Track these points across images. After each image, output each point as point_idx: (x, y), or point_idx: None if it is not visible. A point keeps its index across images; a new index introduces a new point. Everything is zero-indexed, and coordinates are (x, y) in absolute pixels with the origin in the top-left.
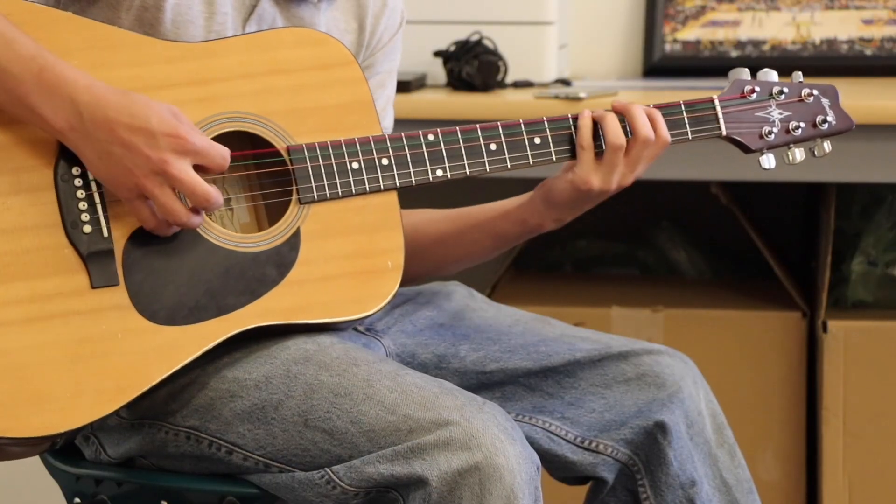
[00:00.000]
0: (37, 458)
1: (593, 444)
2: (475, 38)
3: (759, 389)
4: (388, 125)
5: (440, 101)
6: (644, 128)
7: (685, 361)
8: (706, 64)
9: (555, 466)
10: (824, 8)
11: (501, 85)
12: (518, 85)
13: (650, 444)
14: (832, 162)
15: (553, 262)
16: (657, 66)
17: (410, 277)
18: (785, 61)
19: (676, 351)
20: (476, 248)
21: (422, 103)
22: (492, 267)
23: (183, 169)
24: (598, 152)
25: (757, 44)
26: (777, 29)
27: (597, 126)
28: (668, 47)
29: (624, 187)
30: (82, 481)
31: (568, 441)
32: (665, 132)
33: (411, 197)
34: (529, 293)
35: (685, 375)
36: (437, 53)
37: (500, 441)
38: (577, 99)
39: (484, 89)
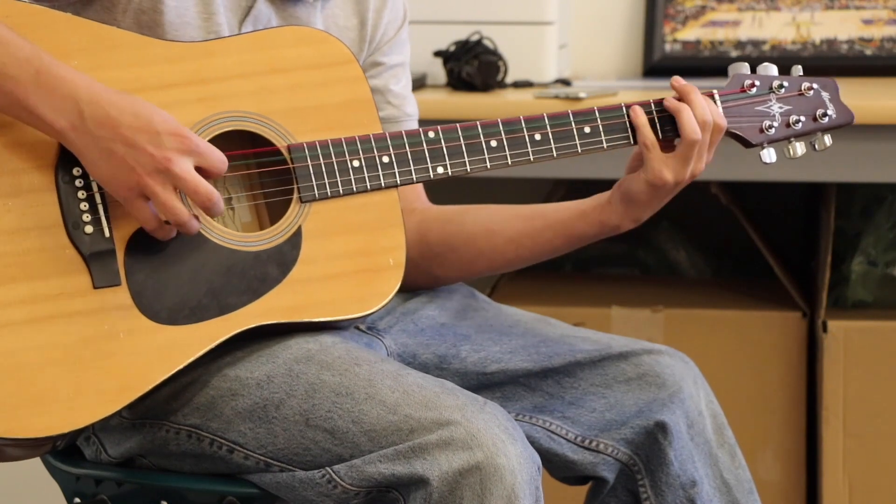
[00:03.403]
0: (37, 458)
1: (594, 444)
2: (475, 38)
3: (759, 389)
4: (412, 111)
5: (440, 101)
6: (711, 115)
7: (685, 361)
8: (706, 64)
9: (555, 466)
10: (824, 8)
11: (501, 85)
12: (518, 85)
13: (651, 444)
14: (832, 162)
15: (553, 262)
16: (657, 66)
17: (477, 274)
18: (785, 61)
19: (676, 351)
20: (548, 248)
21: (422, 103)
22: None
23: (186, 168)
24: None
25: (757, 44)
26: (777, 29)
27: (653, 118)
28: (668, 47)
29: (697, 175)
30: (82, 481)
31: (568, 440)
32: (721, 117)
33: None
34: (529, 293)
35: (685, 375)
36: (437, 53)
37: (501, 441)
38: (577, 99)
39: (484, 89)
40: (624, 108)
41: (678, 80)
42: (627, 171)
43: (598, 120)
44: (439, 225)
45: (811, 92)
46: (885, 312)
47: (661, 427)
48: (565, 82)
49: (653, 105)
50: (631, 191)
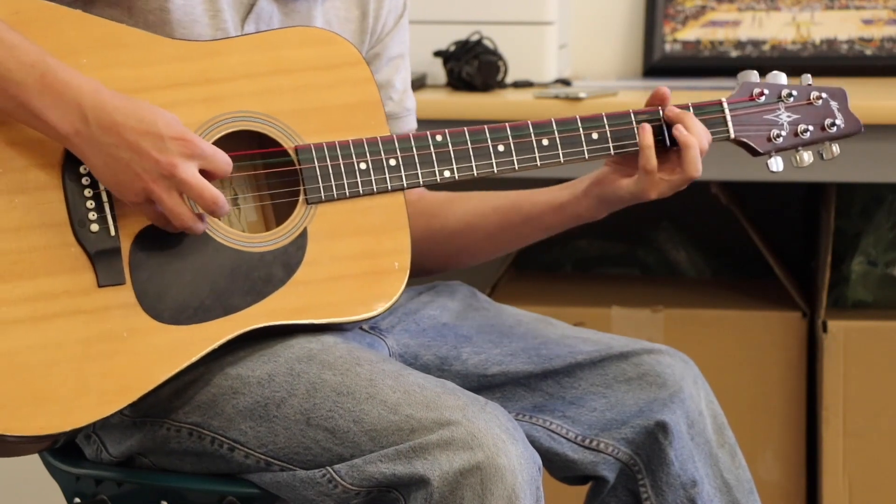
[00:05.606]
0: (37, 459)
1: (594, 443)
2: (475, 38)
3: (759, 389)
4: (411, 105)
5: (440, 101)
6: (707, 142)
7: (686, 361)
8: (706, 64)
9: (556, 466)
10: (824, 8)
11: (501, 85)
12: (518, 85)
13: (651, 443)
14: (832, 162)
15: (553, 262)
16: (657, 66)
17: (460, 266)
18: (785, 61)
19: (677, 351)
20: (524, 240)
21: (422, 103)
22: (492, 267)
23: (191, 173)
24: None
25: (757, 44)
26: (777, 29)
27: (661, 126)
28: (668, 47)
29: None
30: (82, 481)
31: (569, 440)
32: (708, 136)
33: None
34: (529, 293)
35: (686, 375)
36: (437, 53)
37: (501, 441)
38: (577, 99)
39: (484, 89)
40: (632, 115)
41: (672, 110)
42: (607, 165)
43: (606, 126)
44: (424, 220)
45: (820, 101)
46: (885, 312)
47: (662, 427)
48: (565, 82)
49: (662, 114)
50: (609, 195)
